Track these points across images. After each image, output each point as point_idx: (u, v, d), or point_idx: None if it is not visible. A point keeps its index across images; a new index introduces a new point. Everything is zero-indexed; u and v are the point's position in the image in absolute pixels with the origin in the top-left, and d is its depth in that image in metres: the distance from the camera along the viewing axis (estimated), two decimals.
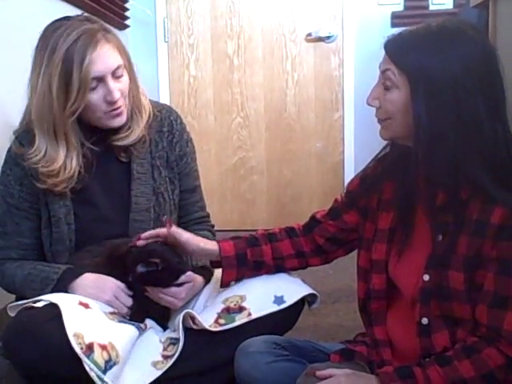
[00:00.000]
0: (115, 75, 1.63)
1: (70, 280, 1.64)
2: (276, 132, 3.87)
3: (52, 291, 1.63)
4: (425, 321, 1.31)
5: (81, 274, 1.65)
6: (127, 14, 3.67)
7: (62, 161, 1.66)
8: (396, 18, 3.70)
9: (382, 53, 1.31)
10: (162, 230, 1.64)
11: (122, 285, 1.66)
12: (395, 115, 1.29)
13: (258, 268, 1.66)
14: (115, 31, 1.73)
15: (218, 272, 1.73)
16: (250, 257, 1.64)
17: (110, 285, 1.65)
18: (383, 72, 1.29)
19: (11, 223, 1.75)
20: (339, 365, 1.40)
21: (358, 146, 3.80)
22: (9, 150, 1.74)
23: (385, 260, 1.42)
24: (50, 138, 1.65)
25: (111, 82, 1.61)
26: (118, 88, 1.64)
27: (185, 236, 1.63)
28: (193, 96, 3.87)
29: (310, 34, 3.74)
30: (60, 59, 1.56)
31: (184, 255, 1.68)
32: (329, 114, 3.83)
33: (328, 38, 3.74)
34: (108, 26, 1.69)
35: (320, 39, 3.75)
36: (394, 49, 1.28)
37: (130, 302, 1.66)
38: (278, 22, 3.77)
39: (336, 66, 3.78)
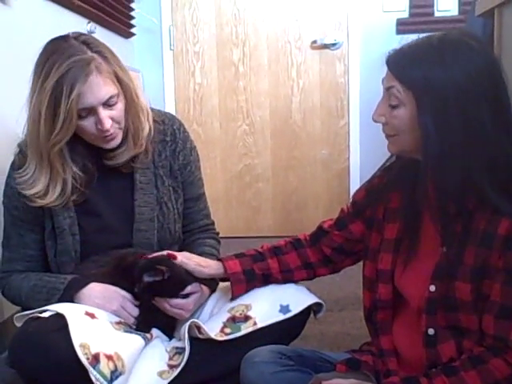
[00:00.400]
0: (108, 104, 1.61)
1: (77, 290, 1.64)
2: (281, 139, 3.87)
3: (58, 301, 1.63)
4: (431, 331, 1.31)
5: (87, 283, 1.65)
6: (133, 22, 3.69)
7: (43, 185, 1.66)
8: (401, 25, 3.70)
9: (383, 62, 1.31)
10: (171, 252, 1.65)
11: (128, 295, 1.66)
12: (403, 131, 1.29)
13: (267, 280, 1.66)
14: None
15: (223, 282, 1.73)
16: (257, 270, 1.64)
17: (117, 295, 1.65)
18: (388, 89, 1.28)
19: (16, 235, 1.75)
20: (345, 375, 1.40)
21: (363, 152, 3.80)
22: (12, 163, 1.75)
23: (391, 270, 1.42)
24: (38, 162, 1.65)
25: (102, 112, 1.60)
26: (110, 116, 1.62)
27: (191, 266, 1.64)
28: (198, 103, 3.87)
29: (315, 41, 3.75)
30: (50, 89, 1.55)
31: None
32: (334, 120, 3.83)
33: (333, 45, 3.74)
34: (105, 50, 1.65)
35: (325, 46, 3.76)
36: (397, 65, 1.27)
37: (136, 312, 1.66)
38: (283, 30, 3.78)
39: (341, 73, 3.78)
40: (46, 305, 1.62)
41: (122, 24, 3.47)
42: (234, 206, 3.92)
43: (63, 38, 1.63)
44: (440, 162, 1.24)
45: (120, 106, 1.65)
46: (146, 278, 1.58)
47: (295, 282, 1.69)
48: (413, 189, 1.36)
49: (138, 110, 1.72)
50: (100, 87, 1.58)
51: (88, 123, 1.61)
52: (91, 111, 1.60)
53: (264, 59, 3.81)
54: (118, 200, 1.79)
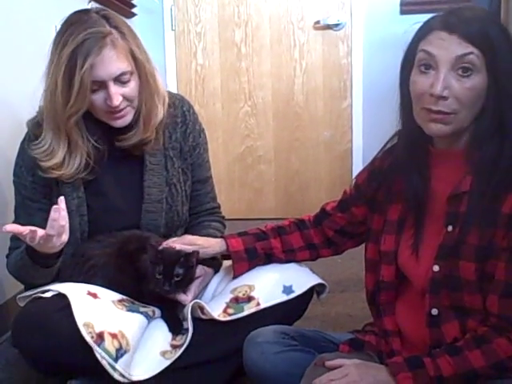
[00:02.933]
0: (119, 80, 1.61)
1: None
2: (284, 121, 3.85)
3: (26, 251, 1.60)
4: (434, 311, 1.30)
5: None
6: (134, 1, 3.65)
7: (61, 157, 1.66)
8: (405, 5, 3.65)
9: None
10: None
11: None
12: (468, 103, 1.22)
13: (269, 260, 1.67)
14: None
15: (226, 262, 1.73)
16: (259, 249, 1.64)
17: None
18: (461, 57, 1.20)
19: (25, 215, 1.75)
20: (348, 355, 1.40)
21: (366, 134, 3.77)
22: (22, 142, 1.75)
23: (394, 251, 1.41)
24: (53, 134, 1.66)
25: (112, 88, 1.60)
26: (122, 93, 1.62)
27: (192, 248, 1.63)
28: (200, 85, 3.85)
29: (318, 22, 3.71)
30: (66, 59, 1.56)
31: None
32: (337, 102, 3.80)
33: (336, 25, 3.70)
34: (124, 27, 1.66)
35: (328, 27, 3.72)
36: (472, 30, 1.20)
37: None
38: (285, 10, 3.74)
39: (344, 54, 3.74)
40: (22, 268, 1.63)
41: (122, 4, 3.43)
42: (236, 188, 3.91)
43: (84, 11, 1.65)
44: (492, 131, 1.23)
45: (133, 85, 1.65)
46: (178, 270, 1.57)
47: (298, 261, 1.69)
48: (417, 170, 1.35)
49: (153, 93, 1.72)
50: (112, 61, 1.58)
51: (98, 98, 1.61)
52: (102, 85, 1.60)
53: (266, 40, 3.77)
54: (128, 181, 1.79)
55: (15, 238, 1.77)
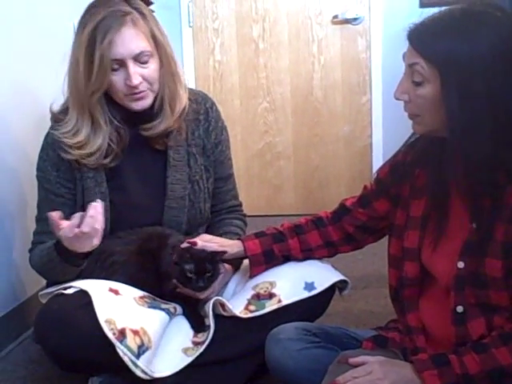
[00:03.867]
0: (139, 60, 1.61)
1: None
2: (303, 116, 3.82)
3: (57, 254, 1.61)
4: (460, 309, 1.28)
5: None
6: None
7: (85, 135, 1.67)
8: None
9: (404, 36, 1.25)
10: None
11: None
12: (427, 109, 1.24)
13: (286, 261, 1.66)
14: None
15: (247, 260, 1.72)
16: (277, 252, 1.63)
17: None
18: (410, 66, 1.23)
19: (48, 209, 1.73)
20: (372, 352, 1.39)
21: (386, 129, 3.73)
22: (46, 137, 1.76)
23: (418, 247, 1.39)
24: (78, 113, 1.67)
25: (132, 67, 1.60)
26: (141, 73, 1.62)
27: (213, 248, 1.63)
28: (218, 81, 3.83)
29: (336, 16, 3.68)
30: (86, 36, 1.58)
31: None
32: (356, 97, 3.76)
33: (355, 19, 3.67)
34: (145, 9, 1.67)
35: (346, 21, 3.68)
36: (420, 40, 1.22)
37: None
38: (303, 5, 3.70)
39: (363, 49, 3.70)
40: (53, 266, 1.63)
41: (140, 0, 3.43)
42: (255, 185, 3.90)
43: None
44: (467, 139, 1.20)
45: (154, 67, 1.65)
46: (208, 266, 1.59)
47: (316, 259, 1.68)
48: (439, 165, 1.32)
49: (175, 77, 1.72)
50: (132, 39, 1.59)
51: (118, 78, 1.62)
52: (122, 65, 1.60)
53: (284, 35, 3.74)
54: (150, 177, 1.79)
55: (39, 233, 1.78)
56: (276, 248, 1.63)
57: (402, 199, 1.44)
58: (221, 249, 1.62)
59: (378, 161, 3.67)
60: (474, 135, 1.19)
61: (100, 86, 1.61)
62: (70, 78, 1.66)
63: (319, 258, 1.68)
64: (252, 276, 1.65)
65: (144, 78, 1.63)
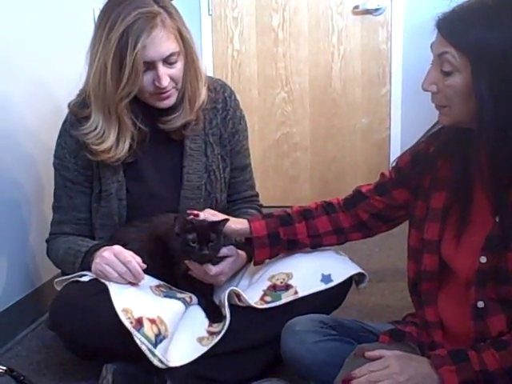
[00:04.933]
0: (167, 61, 1.59)
1: (91, 254, 1.62)
2: (321, 107, 3.78)
3: (81, 264, 1.63)
4: (480, 304, 1.26)
5: (99, 249, 1.61)
6: None
7: (113, 141, 1.65)
8: None
9: (433, 26, 1.23)
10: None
11: (136, 258, 1.57)
12: (456, 100, 1.22)
13: (293, 246, 1.64)
14: None
15: None
16: (282, 236, 1.62)
17: (120, 261, 1.55)
18: (440, 55, 1.20)
19: (66, 197, 1.75)
20: (388, 346, 1.37)
21: (404, 122, 3.69)
22: (64, 123, 1.75)
23: (437, 240, 1.37)
24: (104, 116, 1.64)
25: (161, 68, 1.58)
26: (169, 74, 1.60)
27: (215, 219, 1.62)
28: (236, 70, 3.81)
29: (357, 7, 3.63)
30: (116, 39, 1.53)
31: None
32: (375, 89, 3.72)
33: (376, 10, 3.62)
34: (170, 6, 1.63)
35: (367, 12, 3.64)
36: (450, 29, 1.19)
37: (141, 276, 1.57)
38: None
39: (384, 40, 3.65)
40: (72, 268, 1.64)
41: None
42: (271, 175, 3.88)
43: None
44: (496, 130, 1.18)
45: (180, 66, 1.63)
46: (212, 235, 1.58)
47: (324, 246, 1.66)
48: (464, 157, 1.30)
49: (197, 73, 1.70)
50: (163, 42, 1.56)
51: (146, 79, 1.59)
52: (150, 66, 1.58)
53: (304, 25, 3.71)
54: (167, 166, 1.78)
55: (57, 223, 1.78)
56: (282, 231, 1.61)
57: (423, 190, 1.42)
58: (223, 217, 1.61)
59: (395, 153, 3.58)
60: (504, 126, 1.17)
61: (130, 90, 1.58)
62: (95, 83, 1.60)
63: (327, 245, 1.66)
64: (257, 261, 1.64)
65: (171, 78, 1.61)
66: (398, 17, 3.60)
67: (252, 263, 1.73)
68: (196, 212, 1.63)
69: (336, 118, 3.78)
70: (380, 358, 1.27)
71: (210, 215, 1.64)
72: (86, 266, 1.62)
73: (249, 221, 1.64)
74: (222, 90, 1.82)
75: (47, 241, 1.81)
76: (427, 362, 1.23)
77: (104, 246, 1.62)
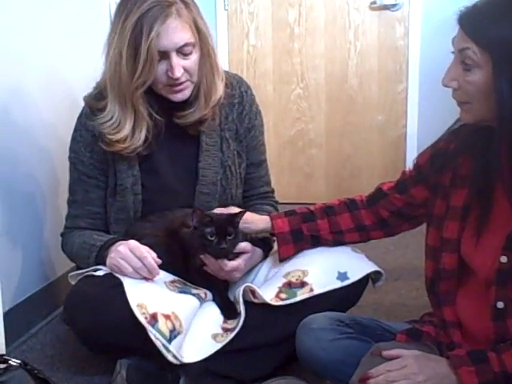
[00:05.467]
0: (182, 52, 1.58)
1: (106, 249, 1.62)
2: (336, 104, 3.77)
3: (95, 259, 1.63)
4: (500, 304, 1.24)
5: (113, 244, 1.61)
6: None
7: (129, 130, 1.64)
8: None
9: (452, 22, 1.20)
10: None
11: (151, 254, 1.56)
12: (477, 97, 1.19)
13: (316, 242, 1.63)
14: None
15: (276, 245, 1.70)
16: (306, 231, 1.61)
17: (136, 257, 1.54)
18: (461, 51, 1.18)
19: (81, 191, 1.75)
20: (406, 345, 1.35)
21: (421, 119, 3.67)
22: (79, 117, 1.74)
23: (457, 239, 1.34)
24: (120, 106, 1.63)
25: (175, 59, 1.56)
26: (183, 65, 1.59)
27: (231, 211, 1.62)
28: (252, 65, 3.80)
29: (374, 2, 3.61)
30: (130, 28, 1.52)
31: None
32: (392, 85, 3.70)
33: (393, 5, 3.60)
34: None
35: (385, 7, 3.61)
36: (472, 24, 1.17)
37: (156, 271, 1.56)
38: None
39: (401, 36, 3.63)
40: (87, 262, 1.63)
41: None
42: (286, 172, 3.87)
43: None
44: None
45: (195, 58, 1.61)
46: (230, 229, 1.57)
47: (346, 243, 1.65)
48: (485, 155, 1.27)
49: (213, 67, 1.68)
50: (177, 31, 1.55)
51: (159, 69, 1.58)
52: (164, 56, 1.56)
53: (320, 20, 3.69)
54: (183, 161, 1.76)
55: (72, 217, 1.77)
56: (305, 227, 1.61)
57: (442, 188, 1.39)
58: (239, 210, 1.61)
59: (412, 151, 3.62)
60: None
61: (145, 79, 1.56)
62: (111, 71, 1.60)
63: (350, 243, 1.65)
64: (282, 258, 1.62)
65: (185, 70, 1.60)
66: (415, 12, 3.58)
67: (267, 260, 1.73)
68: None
69: (352, 114, 3.77)
70: (397, 357, 1.26)
71: (224, 210, 1.64)
72: (101, 260, 1.61)
73: (271, 218, 1.63)
74: (239, 85, 1.80)
75: (62, 235, 1.81)
76: (446, 363, 1.22)
77: (119, 240, 1.61)
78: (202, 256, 1.60)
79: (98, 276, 1.56)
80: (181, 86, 1.62)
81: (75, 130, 1.74)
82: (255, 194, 1.88)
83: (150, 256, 1.54)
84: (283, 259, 1.63)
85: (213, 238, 1.55)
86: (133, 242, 1.57)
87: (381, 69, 3.70)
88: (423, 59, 3.60)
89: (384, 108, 3.74)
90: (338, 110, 3.78)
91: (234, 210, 1.65)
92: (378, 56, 3.68)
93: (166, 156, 1.74)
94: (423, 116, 3.66)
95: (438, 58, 3.46)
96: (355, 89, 3.74)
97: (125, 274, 1.53)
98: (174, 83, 1.61)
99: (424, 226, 1.47)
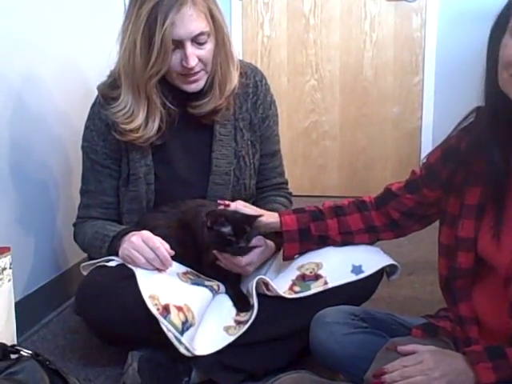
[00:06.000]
0: (196, 41, 1.56)
1: (119, 239, 1.61)
2: (351, 95, 3.74)
3: (108, 249, 1.62)
4: None
5: (126, 234, 1.60)
6: None
7: (142, 120, 1.62)
8: None
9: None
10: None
11: (165, 245, 1.56)
12: None
13: (323, 242, 1.60)
14: None
15: None
16: (313, 231, 1.58)
17: (149, 247, 1.54)
18: None
19: (94, 181, 1.74)
20: (422, 340, 1.33)
21: (437, 112, 3.64)
22: (93, 105, 1.73)
23: (473, 237, 1.31)
24: (133, 95, 1.62)
25: (189, 48, 1.55)
26: (198, 55, 1.57)
27: (248, 212, 1.60)
28: (266, 56, 3.77)
29: None
30: (145, 16, 1.50)
31: None
32: (408, 77, 3.67)
33: None
34: None
35: None
36: None
37: (169, 262, 1.55)
38: None
39: (418, 27, 3.59)
40: (100, 252, 1.62)
41: None
42: (300, 164, 3.84)
43: None
44: None
45: (209, 47, 1.59)
46: (248, 228, 1.56)
47: (355, 244, 1.62)
48: (497, 152, 1.24)
49: (228, 57, 1.67)
50: (192, 20, 1.53)
51: (174, 58, 1.56)
52: (179, 45, 1.55)
53: (336, 11, 3.65)
54: (196, 151, 1.75)
55: (85, 207, 1.77)
56: (313, 226, 1.58)
57: (455, 186, 1.36)
58: (256, 213, 1.59)
59: (427, 144, 3.59)
60: None
61: (159, 68, 1.55)
62: (125, 60, 1.59)
63: (359, 244, 1.61)
64: (286, 256, 1.60)
65: (200, 59, 1.58)
66: (433, 3, 3.53)
67: (280, 252, 1.69)
68: (227, 202, 1.60)
69: (366, 106, 3.74)
70: (413, 352, 1.23)
71: (241, 206, 1.62)
72: (114, 250, 1.60)
73: (280, 214, 1.61)
74: (253, 74, 1.78)
75: (74, 225, 1.80)
76: (462, 358, 1.19)
77: (132, 230, 1.60)
78: (215, 251, 1.59)
79: (111, 267, 1.55)
80: (195, 77, 1.61)
81: (88, 119, 1.73)
82: (268, 184, 1.87)
83: (163, 247, 1.53)
84: (287, 258, 1.61)
85: (232, 238, 1.54)
86: (146, 233, 1.56)
87: (396, 60, 3.66)
88: (440, 51, 3.56)
89: (399, 100, 3.71)
90: (353, 102, 3.74)
91: (252, 208, 1.64)
92: (394, 47, 3.65)
93: (179, 146, 1.73)
94: (439, 108, 3.62)
95: (454, 49, 3.48)
96: (370, 80, 3.70)
97: (137, 265, 1.52)
98: (188, 73, 1.59)
99: (437, 222, 1.44)
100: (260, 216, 1.58)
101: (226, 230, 1.53)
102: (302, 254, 1.61)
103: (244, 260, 1.58)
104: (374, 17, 3.62)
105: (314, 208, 1.62)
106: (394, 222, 1.56)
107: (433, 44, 3.57)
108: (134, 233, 1.58)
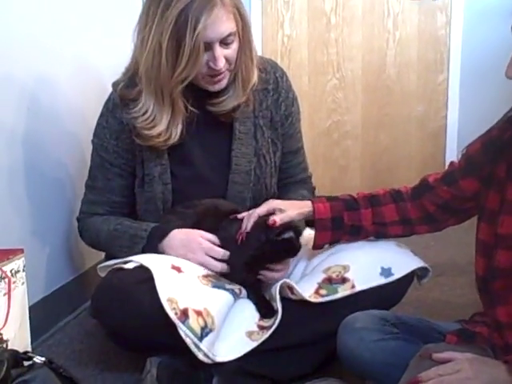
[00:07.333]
0: (224, 42, 1.52)
1: (160, 239, 1.59)
2: (373, 95, 3.68)
3: (142, 251, 1.59)
4: None
5: (168, 232, 1.58)
6: None
7: (165, 126, 1.59)
8: None
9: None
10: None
11: (213, 237, 1.58)
12: None
13: (356, 233, 1.56)
14: None
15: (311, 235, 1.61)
16: (346, 220, 1.54)
17: (199, 243, 1.57)
18: None
19: (102, 178, 1.71)
20: (457, 347, 1.25)
21: (462, 111, 3.56)
22: (107, 103, 1.70)
23: None
24: (156, 100, 1.57)
25: (218, 49, 1.51)
26: (225, 55, 1.53)
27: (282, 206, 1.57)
28: (286, 56, 3.72)
29: None
30: (173, 18, 1.45)
31: None
32: (432, 76, 3.60)
33: None
34: None
35: None
36: None
37: (225, 255, 1.57)
38: None
39: (442, 25, 3.53)
40: (128, 252, 1.60)
41: None
42: (321, 164, 3.78)
43: None
44: None
45: (235, 46, 1.56)
46: (289, 234, 1.52)
47: (388, 237, 1.58)
48: None
49: (252, 54, 1.63)
50: (222, 22, 1.49)
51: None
52: (207, 47, 1.50)
53: (358, 9, 3.60)
54: (215, 150, 1.71)
55: (91, 203, 1.74)
56: (346, 215, 1.54)
57: (496, 180, 1.30)
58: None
59: (452, 144, 3.54)
60: None
61: (189, 73, 1.50)
62: (148, 64, 1.53)
63: (393, 236, 1.57)
64: (316, 244, 1.56)
65: (226, 59, 1.54)
66: (458, 1, 3.46)
67: (304, 254, 1.64)
68: (273, 220, 1.54)
69: (389, 105, 3.68)
70: (449, 360, 1.16)
71: (274, 205, 1.57)
72: (153, 250, 1.59)
73: (312, 202, 1.56)
74: (273, 70, 1.74)
75: (78, 220, 1.78)
76: (503, 368, 1.11)
77: (166, 229, 1.61)
78: (262, 272, 1.57)
79: (128, 269, 1.50)
80: (220, 76, 1.57)
81: (101, 116, 1.70)
82: (293, 181, 1.83)
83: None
84: (317, 246, 1.57)
85: (295, 242, 1.53)
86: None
87: (420, 58, 3.60)
88: (465, 49, 3.50)
89: (423, 99, 3.64)
90: (375, 101, 3.69)
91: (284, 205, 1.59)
92: (418, 45, 3.59)
93: (197, 144, 1.69)
94: (464, 107, 3.55)
95: (480, 47, 3.40)
96: (393, 79, 3.64)
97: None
98: (214, 74, 1.55)
99: (467, 221, 1.39)
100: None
101: (288, 235, 1.51)
102: (332, 243, 1.58)
103: (280, 267, 1.57)
104: (397, 14, 3.57)
105: (349, 197, 1.58)
106: (430, 216, 1.51)
107: (458, 42, 3.51)
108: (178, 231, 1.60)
